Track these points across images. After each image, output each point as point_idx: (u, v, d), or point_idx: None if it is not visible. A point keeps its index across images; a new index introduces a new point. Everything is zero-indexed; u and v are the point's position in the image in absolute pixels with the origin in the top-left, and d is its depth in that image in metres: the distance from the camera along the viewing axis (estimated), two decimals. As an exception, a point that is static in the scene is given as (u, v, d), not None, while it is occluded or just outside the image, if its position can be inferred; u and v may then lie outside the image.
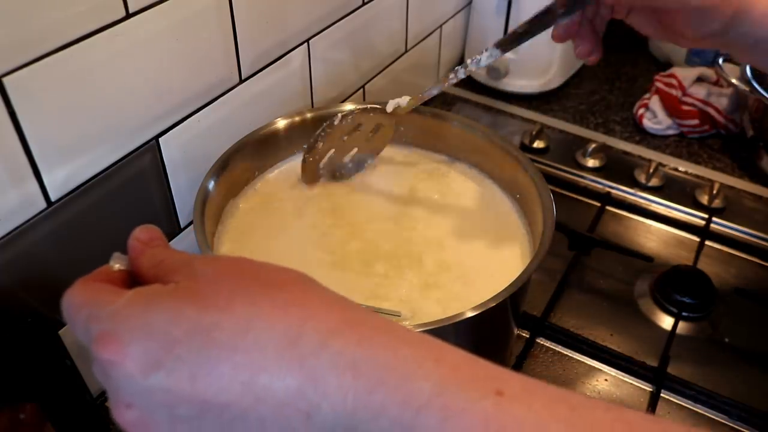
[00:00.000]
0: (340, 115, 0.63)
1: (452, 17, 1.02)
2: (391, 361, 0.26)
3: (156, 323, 0.27)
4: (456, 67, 0.58)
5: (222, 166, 0.59)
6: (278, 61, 0.68)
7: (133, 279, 0.32)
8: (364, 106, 0.64)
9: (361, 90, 0.86)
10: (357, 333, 0.27)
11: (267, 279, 0.29)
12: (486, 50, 0.56)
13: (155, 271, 0.31)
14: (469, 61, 0.57)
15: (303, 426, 0.26)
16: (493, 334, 0.56)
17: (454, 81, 0.59)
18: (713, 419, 0.62)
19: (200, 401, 0.26)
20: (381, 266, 0.57)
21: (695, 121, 0.96)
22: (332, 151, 0.65)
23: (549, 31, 0.55)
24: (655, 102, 0.99)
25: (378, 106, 0.63)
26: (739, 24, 0.50)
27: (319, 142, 0.63)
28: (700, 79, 0.98)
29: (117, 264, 0.33)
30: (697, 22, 0.50)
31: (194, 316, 0.27)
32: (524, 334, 0.68)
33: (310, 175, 0.65)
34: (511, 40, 0.55)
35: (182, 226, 0.65)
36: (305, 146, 0.64)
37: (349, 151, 0.66)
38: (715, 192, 0.85)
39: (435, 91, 0.61)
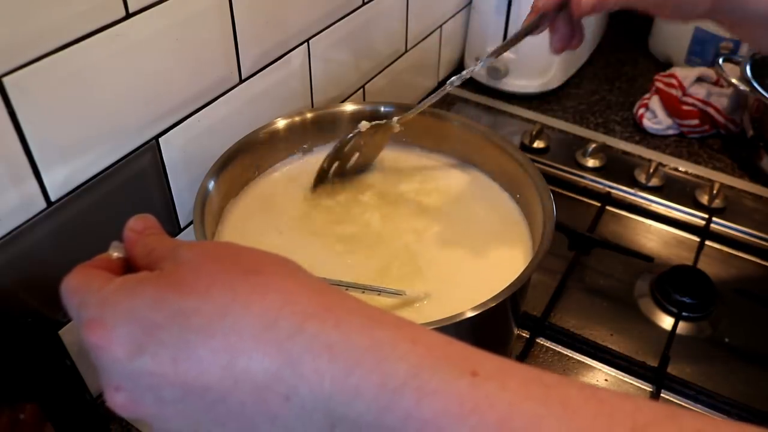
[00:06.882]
0: (351, 135, 0.64)
1: (452, 17, 1.02)
2: (367, 344, 0.26)
3: (139, 309, 0.28)
4: (460, 73, 0.62)
5: (222, 166, 0.59)
6: (278, 61, 0.68)
7: (130, 266, 0.33)
8: (374, 124, 0.64)
9: (361, 90, 0.86)
10: (334, 316, 0.27)
11: (248, 264, 0.30)
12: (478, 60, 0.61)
13: (147, 260, 0.32)
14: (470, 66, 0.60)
15: (282, 408, 0.26)
16: (493, 334, 0.56)
17: (457, 84, 0.63)
18: (713, 419, 0.62)
19: (182, 384, 0.27)
20: (380, 266, 0.57)
21: (695, 121, 0.96)
22: (337, 163, 0.65)
23: (545, 33, 0.58)
24: (655, 102, 0.99)
25: (382, 123, 0.65)
26: None
27: (333, 161, 0.65)
28: (700, 79, 0.98)
29: (115, 252, 0.34)
30: None
31: (175, 301, 0.28)
32: (524, 334, 0.68)
33: (319, 185, 0.66)
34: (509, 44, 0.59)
35: (182, 226, 0.65)
36: (323, 165, 0.65)
37: (351, 156, 0.66)
38: (715, 192, 0.85)
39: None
